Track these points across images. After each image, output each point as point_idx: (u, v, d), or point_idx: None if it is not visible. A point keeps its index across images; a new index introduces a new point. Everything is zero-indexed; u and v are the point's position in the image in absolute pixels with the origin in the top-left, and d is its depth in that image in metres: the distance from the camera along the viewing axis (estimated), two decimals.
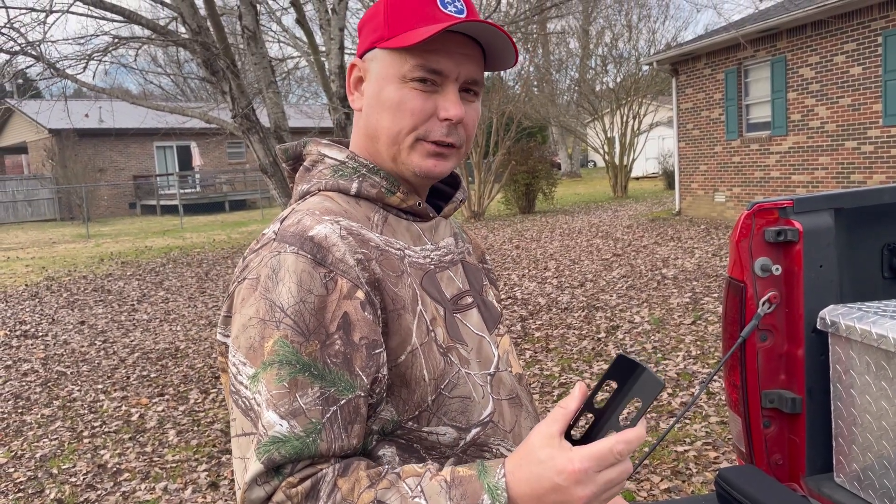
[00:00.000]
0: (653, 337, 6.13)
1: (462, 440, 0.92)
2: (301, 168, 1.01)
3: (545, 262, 10.14)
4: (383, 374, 0.87)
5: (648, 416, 4.56)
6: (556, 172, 20.92)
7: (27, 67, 6.41)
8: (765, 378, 1.82)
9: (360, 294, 0.85)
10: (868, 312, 1.64)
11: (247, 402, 0.82)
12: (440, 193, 1.10)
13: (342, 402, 0.82)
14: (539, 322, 6.88)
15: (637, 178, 28.50)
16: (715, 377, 4.88)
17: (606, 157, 22.09)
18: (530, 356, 5.93)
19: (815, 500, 1.70)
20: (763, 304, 1.78)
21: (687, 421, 4.42)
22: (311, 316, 0.82)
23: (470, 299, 1.02)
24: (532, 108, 22.81)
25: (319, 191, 0.97)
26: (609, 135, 22.21)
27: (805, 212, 1.78)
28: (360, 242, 0.88)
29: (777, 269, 1.79)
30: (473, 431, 0.93)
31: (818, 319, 1.73)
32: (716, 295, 7.23)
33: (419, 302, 0.92)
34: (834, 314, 1.70)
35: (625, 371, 0.78)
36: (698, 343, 5.88)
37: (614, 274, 8.88)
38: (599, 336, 6.28)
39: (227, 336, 0.91)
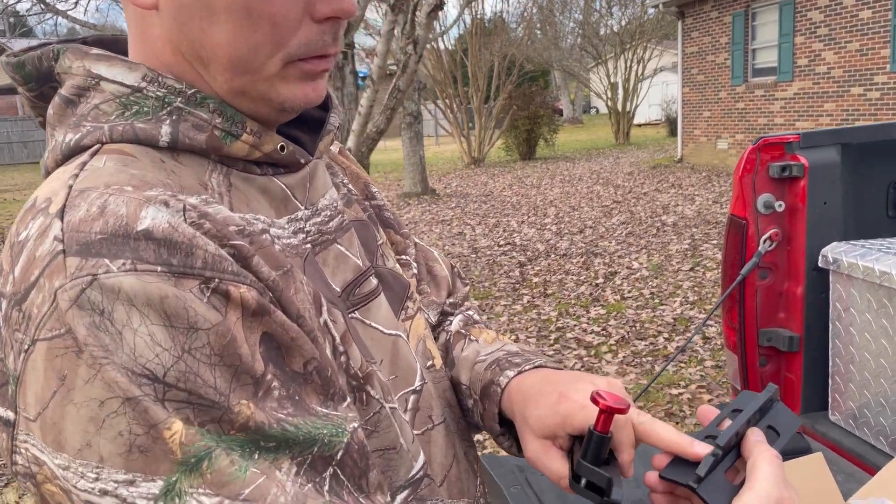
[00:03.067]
0: (650, 283, 6.13)
1: None
2: (56, 100, 0.60)
3: (545, 209, 10.07)
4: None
5: (643, 360, 4.58)
6: (557, 118, 20.68)
7: (17, 2, 6.24)
8: (763, 317, 1.79)
9: (265, 299, 0.53)
10: (871, 250, 1.60)
11: None
12: (300, 119, 0.69)
13: (340, 455, 0.53)
14: (537, 268, 6.88)
15: (640, 125, 28.18)
16: (711, 321, 4.89)
17: (609, 104, 21.79)
18: (528, 301, 5.94)
19: (808, 438, 1.70)
20: (764, 241, 1.74)
21: (682, 364, 4.44)
22: (209, 367, 0.48)
23: (374, 283, 0.71)
24: (534, 52, 22.40)
25: (102, 144, 0.57)
26: (612, 80, 21.86)
27: (811, 146, 1.73)
28: (220, 228, 0.53)
29: (780, 205, 1.75)
30: (399, 499, 0.64)
31: (820, 257, 1.69)
32: (715, 242, 7.21)
33: (323, 311, 0.60)
34: (836, 251, 1.66)
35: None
36: (696, 289, 5.88)
37: (614, 221, 8.83)
38: (597, 282, 6.28)
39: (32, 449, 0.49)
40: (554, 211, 9.85)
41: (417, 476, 0.67)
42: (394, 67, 6.68)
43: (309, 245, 0.65)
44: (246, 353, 0.50)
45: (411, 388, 0.71)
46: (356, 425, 0.55)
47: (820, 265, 1.70)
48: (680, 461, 0.63)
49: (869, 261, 1.56)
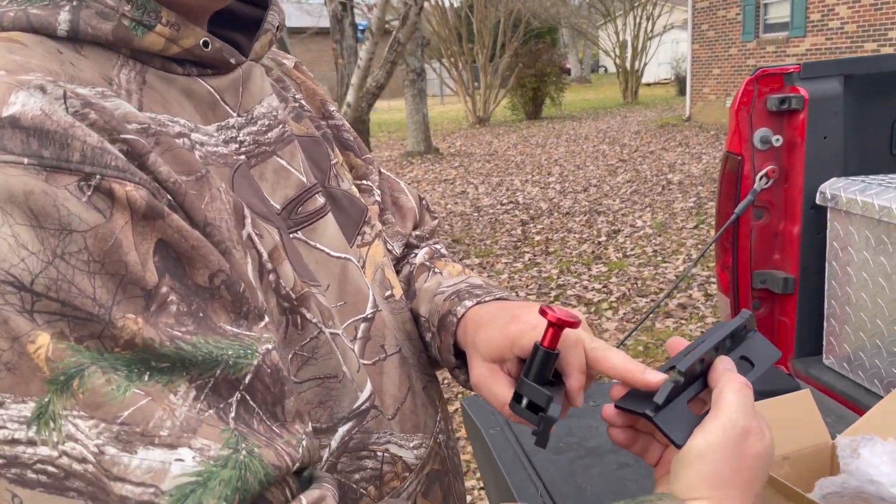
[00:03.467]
0: (654, 241, 6.08)
1: (326, 448, 0.59)
2: None
3: (549, 168, 9.97)
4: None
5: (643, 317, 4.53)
6: (565, 77, 20.35)
7: None
8: (757, 258, 1.72)
9: (160, 202, 0.46)
10: (871, 185, 1.52)
11: (47, 471, 0.41)
12: (236, 19, 0.63)
13: (248, 378, 0.47)
14: (540, 226, 6.84)
15: (648, 85, 27.76)
16: (711, 276, 4.83)
17: (617, 62, 21.43)
18: (529, 259, 5.91)
19: (801, 382, 1.63)
20: (760, 178, 1.66)
21: (682, 321, 4.40)
22: (88, 275, 0.42)
23: (320, 202, 0.66)
24: (541, 8, 21.98)
25: None
26: (621, 38, 21.46)
27: (812, 77, 1.63)
28: (111, 121, 0.46)
29: (778, 140, 1.66)
30: (342, 430, 0.61)
31: (818, 194, 1.61)
32: None
33: (246, 223, 0.54)
34: (834, 187, 1.58)
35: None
36: (699, 247, 5.81)
37: (619, 179, 8.74)
38: (600, 240, 6.24)
39: None
40: (558, 170, 9.74)
41: (363, 407, 0.63)
42: (396, 23, 6.53)
43: (243, 156, 0.59)
44: (134, 261, 0.43)
45: (362, 316, 0.67)
46: (270, 346, 0.49)
47: (818, 202, 1.62)
48: (640, 393, 0.57)
49: (868, 195, 1.48)
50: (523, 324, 0.63)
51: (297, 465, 0.48)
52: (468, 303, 0.72)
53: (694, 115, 14.42)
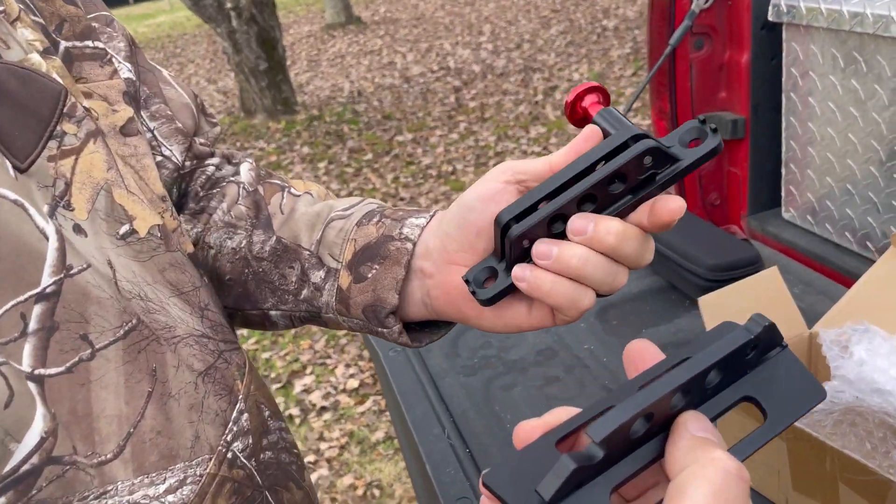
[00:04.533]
0: None
1: None
2: None
3: (480, 27, 9.45)
4: None
5: None
6: None
7: None
8: (700, 98, 1.41)
9: None
10: None
11: None
12: None
13: None
14: (473, 91, 6.54)
15: None
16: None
17: None
18: (465, 128, 5.63)
19: (757, 243, 1.37)
20: None
21: None
22: None
23: None
24: None
25: None
26: None
27: None
28: None
29: None
30: None
31: (770, 8, 1.28)
32: None
33: None
34: None
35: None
36: (641, 96, 5.54)
37: (552, 31, 8.30)
38: (537, 99, 5.98)
39: None
40: (489, 28, 9.23)
41: (24, 469, 0.39)
42: None
43: None
44: None
45: (32, 294, 0.41)
46: None
47: (770, 18, 1.28)
48: (541, 452, 0.30)
49: (834, 1, 1.15)
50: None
51: None
52: (417, 221, 0.54)
53: None
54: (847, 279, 1.20)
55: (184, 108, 0.63)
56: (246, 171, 0.65)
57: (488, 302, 0.48)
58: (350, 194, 4.64)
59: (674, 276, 1.22)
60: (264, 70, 6.23)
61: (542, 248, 0.45)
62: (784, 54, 1.29)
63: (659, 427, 0.30)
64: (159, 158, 0.59)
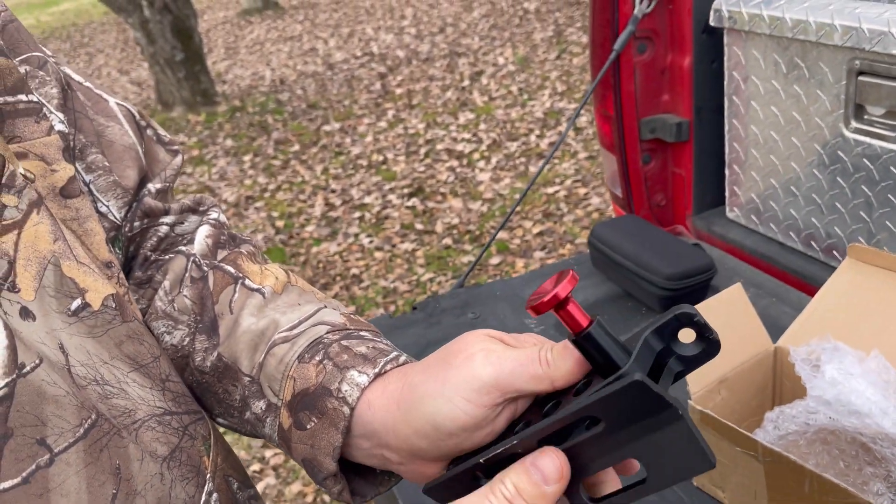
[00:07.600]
0: (518, 78, 5.83)
1: None
2: None
3: (402, 10, 9.34)
4: None
5: (517, 162, 4.31)
6: None
7: None
8: (644, 102, 1.41)
9: None
10: None
11: None
12: None
13: None
14: (399, 77, 6.46)
15: None
16: (583, 112, 4.63)
17: None
18: (393, 116, 5.56)
19: (705, 244, 1.40)
20: (641, 1, 1.31)
21: (555, 161, 4.22)
22: None
23: None
24: None
25: None
26: None
27: None
28: None
29: None
30: None
31: (711, 13, 1.29)
32: (579, 24, 6.85)
33: None
34: (731, 2, 1.26)
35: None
36: (563, 78, 5.62)
37: (475, 14, 8.29)
38: (463, 84, 5.97)
39: None
40: (411, 11, 9.13)
41: None
42: None
43: None
44: None
45: None
46: None
47: (711, 23, 1.30)
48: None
49: (776, 8, 1.17)
50: (492, 358, 0.44)
51: None
52: (357, 377, 0.48)
53: None
54: (795, 279, 1.23)
55: (127, 151, 0.56)
56: (201, 239, 0.57)
57: None
58: (279, 188, 4.52)
59: (630, 284, 1.22)
60: (181, 61, 5.98)
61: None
62: (725, 58, 1.31)
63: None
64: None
